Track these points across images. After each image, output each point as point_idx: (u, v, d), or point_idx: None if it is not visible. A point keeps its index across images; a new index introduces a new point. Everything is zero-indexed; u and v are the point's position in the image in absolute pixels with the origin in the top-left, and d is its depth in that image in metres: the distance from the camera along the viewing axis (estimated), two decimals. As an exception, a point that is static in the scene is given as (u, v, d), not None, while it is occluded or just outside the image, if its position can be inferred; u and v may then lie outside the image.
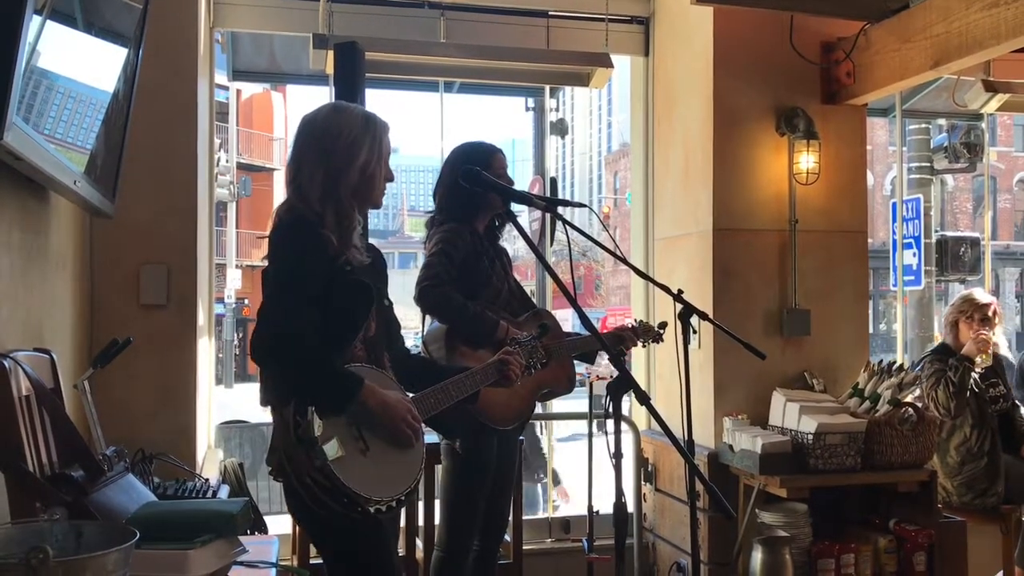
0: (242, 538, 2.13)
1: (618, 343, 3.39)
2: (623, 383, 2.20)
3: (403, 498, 2.17)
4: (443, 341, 3.04)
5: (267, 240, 2.23)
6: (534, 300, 3.95)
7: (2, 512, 1.97)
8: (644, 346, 3.58)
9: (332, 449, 2.02)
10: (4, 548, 1.51)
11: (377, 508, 2.08)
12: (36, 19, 1.80)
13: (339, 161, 2.21)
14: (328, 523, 2.11)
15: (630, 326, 3.54)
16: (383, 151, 2.28)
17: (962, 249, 7.66)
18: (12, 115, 1.67)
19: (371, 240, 2.59)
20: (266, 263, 2.21)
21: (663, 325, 3.50)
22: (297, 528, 3.66)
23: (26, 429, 1.99)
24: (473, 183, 2.70)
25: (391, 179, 2.33)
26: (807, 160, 4.14)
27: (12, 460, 1.92)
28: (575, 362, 3.40)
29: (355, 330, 2.22)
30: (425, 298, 2.97)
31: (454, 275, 3.01)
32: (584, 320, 2.30)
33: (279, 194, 28.08)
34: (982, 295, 4.41)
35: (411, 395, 2.30)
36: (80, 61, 2.39)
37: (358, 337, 2.23)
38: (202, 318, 3.83)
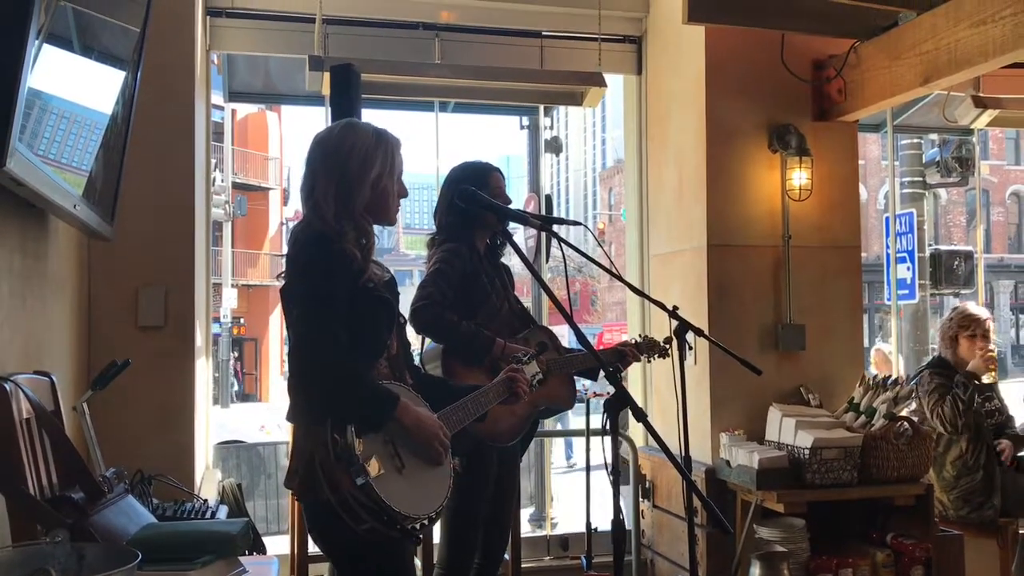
0: (242, 559, 2.14)
1: (618, 359, 3.41)
2: (620, 399, 2.22)
3: (435, 516, 2.17)
4: (440, 360, 3.05)
5: (285, 259, 2.21)
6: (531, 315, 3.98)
7: (3, 535, 1.98)
8: (649, 361, 3.57)
9: (372, 467, 2.01)
10: (7, 571, 1.52)
11: (413, 525, 2.08)
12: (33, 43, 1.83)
13: (352, 177, 2.21)
14: (358, 541, 2.07)
15: (633, 342, 3.53)
16: (395, 166, 2.29)
17: (956, 262, 7.71)
18: (15, 142, 1.69)
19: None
20: (283, 282, 2.19)
21: (668, 340, 3.47)
22: (297, 548, 3.66)
23: (27, 452, 2.00)
24: (469, 203, 2.74)
25: (405, 195, 2.33)
26: (800, 176, 4.18)
27: (13, 483, 1.93)
28: (577, 378, 3.40)
29: (381, 348, 2.22)
30: (417, 318, 2.98)
31: (450, 295, 3.03)
32: (580, 336, 2.32)
33: (274, 213, 28.12)
34: (979, 310, 4.44)
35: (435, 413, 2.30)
36: (78, 84, 2.42)
37: (383, 355, 2.24)
38: (200, 338, 3.84)
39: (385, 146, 2.26)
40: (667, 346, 3.49)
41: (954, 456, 4.15)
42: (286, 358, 2.13)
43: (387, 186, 2.26)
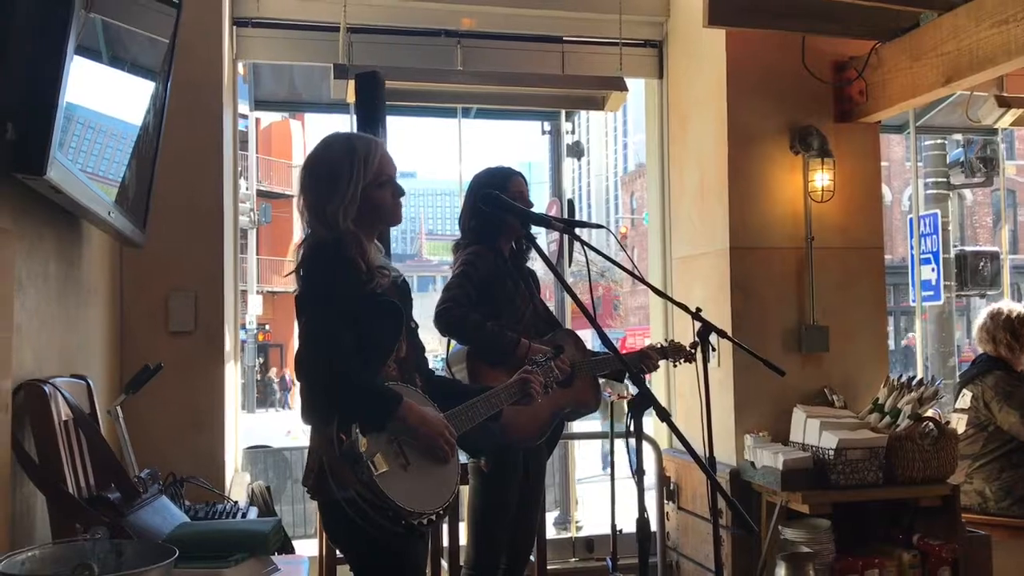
0: (273, 557, 2.19)
1: (642, 361, 3.43)
2: (644, 401, 2.24)
3: (442, 512, 2.22)
4: (465, 362, 3.09)
5: (295, 270, 2.29)
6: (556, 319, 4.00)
7: (44, 533, 2.04)
8: (675, 365, 3.58)
9: (376, 464, 2.06)
10: (50, 567, 1.57)
11: (419, 522, 2.12)
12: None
13: (324, 193, 2.28)
14: (367, 539, 2.13)
15: (659, 346, 3.54)
16: (373, 170, 2.30)
17: (981, 263, 7.66)
18: (55, 151, 1.75)
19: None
20: (293, 291, 2.27)
21: (694, 345, 3.46)
22: (324, 550, 3.71)
23: (66, 453, 2.06)
24: (491, 206, 2.78)
25: (400, 194, 2.36)
26: (822, 178, 4.18)
27: (54, 483, 1.98)
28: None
29: (388, 351, 2.27)
30: (441, 320, 3.02)
31: (473, 297, 3.07)
32: (604, 339, 2.35)
33: (298, 221, 28.30)
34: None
35: (443, 412, 2.34)
36: (112, 95, 2.48)
37: (391, 358, 2.28)
38: (228, 344, 3.90)
39: (353, 155, 2.29)
40: (693, 351, 3.48)
41: (997, 447, 4.12)
42: (294, 360, 2.20)
43: (356, 193, 2.27)
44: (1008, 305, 4.48)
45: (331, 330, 2.14)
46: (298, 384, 2.23)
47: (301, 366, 2.14)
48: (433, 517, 2.17)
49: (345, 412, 2.09)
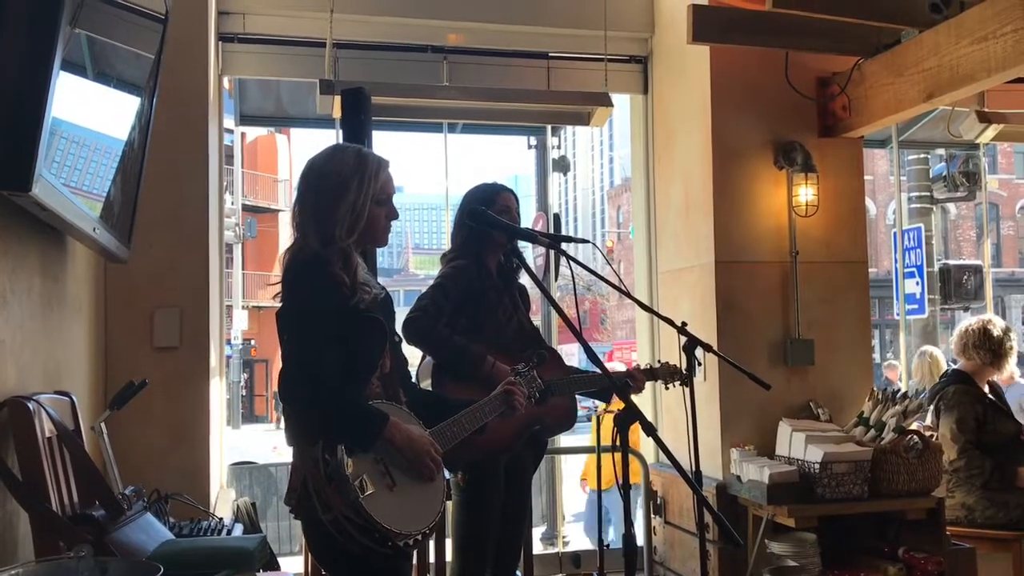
0: (259, 574, 2.18)
1: (628, 379, 3.41)
2: (630, 415, 2.24)
3: (428, 531, 2.20)
4: (431, 377, 3.09)
5: (279, 283, 2.26)
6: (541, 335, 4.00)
7: (27, 551, 2.02)
8: (667, 388, 3.53)
9: (363, 486, 2.04)
10: (33, 585, 1.56)
11: (406, 542, 2.11)
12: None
13: (328, 202, 2.24)
14: (351, 558, 2.10)
15: (647, 367, 3.50)
16: (375, 189, 2.28)
17: (965, 277, 7.72)
18: (40, 168, 1.74)
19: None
20: (278, 305, 2.24)
21: (688, 368, 3.27)
22: (310, 567, 3.69)
23: (50, 470, 2.04)
24: (476, 221, 2.80)
25: (394, 216, 2.34)
26: (806, 192, 4.22)
27: (37, 500, 1.97)
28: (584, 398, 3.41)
29: (372, 368, 2.26)
30: (408, 328, 3.00)
31: (446, 309, 3.07)
32: (589, 353, 2.35)
33: (284, 235, 28.26)
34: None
35: (428, 429, 2.33)
36: (96, 111, 2.47)
37: (375, 374, 2.28)
38: (214, 359, 3.89)
39: (363, 171, 2.27)
40: (688, 373, 3.42)
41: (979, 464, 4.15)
42: (277, 380, 2.17)
43: (368, 209, 2.26)
44: (977, 318, 4.52)
45: (315, 349, 2.11)
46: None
47: (285, 386, 2.12)
48: (419, 537, 2.16)
49: (330, 433, 2.08)
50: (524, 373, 2.65)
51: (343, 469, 2.03)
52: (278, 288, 2.26)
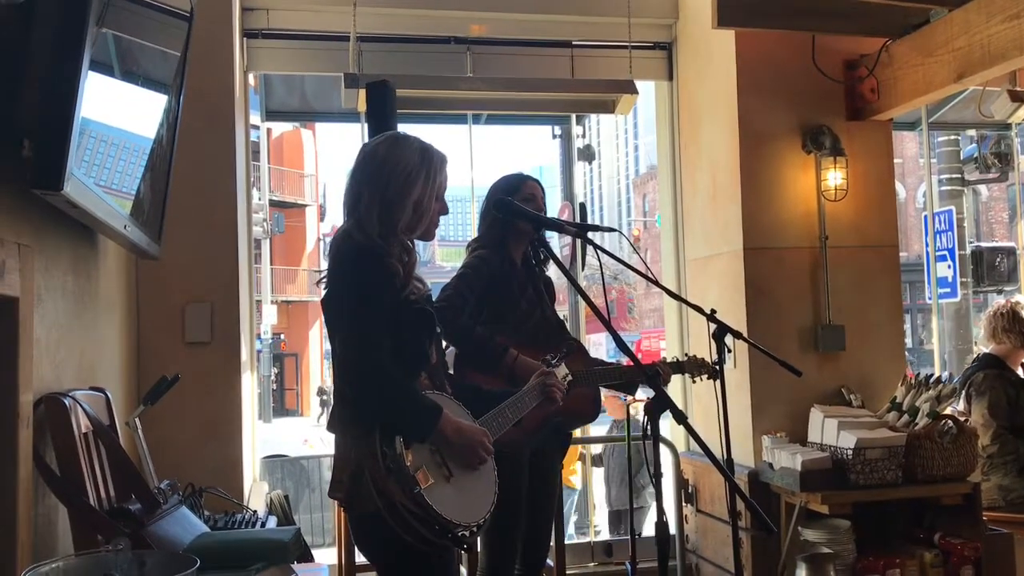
0: (294, 566, 2.20)
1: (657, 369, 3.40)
2: (661, 403, 2.24)
3: (483, 522, 2.20)
4: (453, 367, 3.09)
5: (328, 270, 2.24)
6: (568, 325, 3.99)
7: (67, 545, 2.05)
8: (695, 381, 3.51)
9: (422, 477, 2.05)
10: (73, 578, 1.58)
11: (464, 533, 2.11)
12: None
13: (394, 194, 2.23)
14: (404, 550, 2.09)
15: (675, 360, 3.45)
16: (438, 185, 2.29)
17: (998, 259, 7.60)
18: (71, 167, 1.76)
19: None
20: (325, 292, 2.22)
21: (716, 362, 3.33)
22: (343, 559, 3.72)
23: (87, 465, 2.07)
24: (503, 211, 2.80)
25: (445, 212, 2.34)
26: (834, 177, 4.17)
27: (75, 495, 2.00)
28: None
29: (423, 360, 2.25)
30: None
31: (471, 300, 3.07)
32: (618, 341, 2.34)
33: (311, 229, 28.41)
34: None
35: (476, 420, 2.32)
36: (125, 109, 2.50)
37: (425, 366, 2.27)
38: (245, 354, 3.92)
39: (429, 165, 2.27)
40: (716, 366, 3.39)
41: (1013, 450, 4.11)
42: (332, 370, 2.17)
43: (428, 205, 2.27)
44: (1005, 300, 4.48)
45: (376, 342, 2.09)
46: (332, 390, 2.18)
47: (347, 374, 2.10)
48: (475, 528, 2.16)
49: (391, 423, 2.07)
50: (555, 364, 2.65)
51: (403, 461, 2.02)
52: (324, 275, 2.24)
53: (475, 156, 5.03)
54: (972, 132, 7.32)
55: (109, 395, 2.54)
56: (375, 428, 2.06)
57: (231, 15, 3.94)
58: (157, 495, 2.26)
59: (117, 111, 2.40)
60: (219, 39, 3.85)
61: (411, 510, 2.02)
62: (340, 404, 2.21)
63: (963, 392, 4.28)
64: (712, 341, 2.88)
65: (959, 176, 7.76)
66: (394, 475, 2.02)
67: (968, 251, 7.52)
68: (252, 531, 2.76)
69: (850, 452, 3.67)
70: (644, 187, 41.02)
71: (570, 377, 2.72)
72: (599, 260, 2.65)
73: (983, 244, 7.89)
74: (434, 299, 2.48)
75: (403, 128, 3.79)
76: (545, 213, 3.29)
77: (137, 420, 2.86)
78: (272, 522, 3.31)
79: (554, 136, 5.78)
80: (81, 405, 2.14)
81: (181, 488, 2.69)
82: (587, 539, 4.92)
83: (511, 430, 2.68)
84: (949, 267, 7.37)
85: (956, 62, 3.66)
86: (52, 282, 2.24)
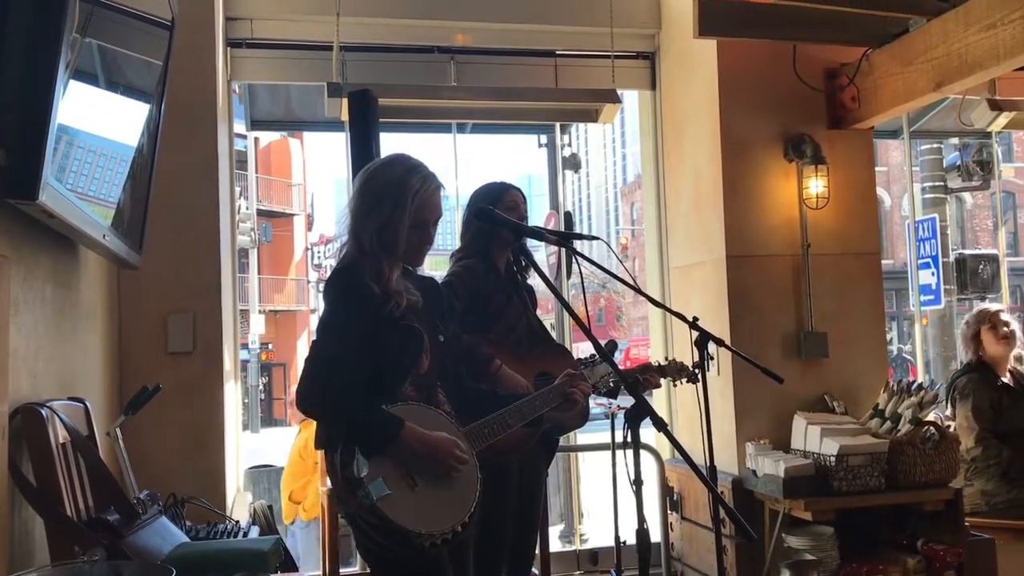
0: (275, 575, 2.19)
1: (640, 373, 3.41)
2: (640, 411, 2.24)
3: (459, 530, 2.18)
4: None
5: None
6: (554, 333, 4.00)
7: (42, 556, 2.04)
8: (675, 385, 3.52)
9: (378, 488, 2.05)
10: (48, 589, 1.57)
11: (432, 542, 2.10)
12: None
13: (364, 211, 2.28)
14: (380, 557, 2.16)
15: (656, 364, 3.50)
16: (410, 211, 2.27)
17: (980, 266, 7.65)
18: (47, 176, 1.76)
19: None
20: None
21: (696, 365, 3.24)
22: (327, 567, 3.70)
23: (64, 475, 2.06)
24: (484, 220, 2.80)
25: (427, 242, 2.33)
26: (816, 185, 4.20)
27: (51, 506, 1.99)
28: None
29: (403, 375, 2.25)
30: None
31: (457, 308, 3.07)
32: (599, 349, 2.35)
33: (299, 239, 28.35)
34: (990, 304, 4.48)
35: (463, 428, 2.32)
36: (105, 118, 2.49)
37: (407, 380, 2.27)
38: (228, 364, 3.90)
39: (403, 190, 2.27)
40: (696, 371, 3.31)
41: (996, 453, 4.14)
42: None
43: (397, 230, 2.25)
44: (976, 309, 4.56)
45: (332, 357, 2.14)
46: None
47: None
48: (449, 535, 2.14)
49: (344, 438, 2.10)
50: (592, 364, 2.64)
51: (358, 472, 2.04)
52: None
53: (461, 166, 5.05)
54: (955, 140, 7.37)
55: (88, 405, 2.53)
56: (338, 442, 2.10)
57: (214, 24, 3.94)
58: (136, 505, 2.24)
59: (98, 119, 2.40)
60: (202, 48, 3.84)
61: (369, 520, 2.06)
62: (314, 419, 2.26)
63: (948, 397, 4.32)
64: (695, 348, 2.89)
65: (942, 184, 7.81)
66: (350, 486, 2.05)
67: (951, 258, 7.57)
68: (231, 541, 2.74)
69: (833, 459, 3.69)
70: (632, 195, 41.11)
71: (611, 378, 2.71)
72: (580, 269, 2.65)
73: (966, 251, 7.94)
74: (441, 304, 2.48)
75: (387, 138, 3.81)
76: (527, 222, 3.29)
77: (118, 430, 2.84)
78: (255, 532, 3.30)
79: (540, 145, 5.78)
80: (59, 415, 2.13)
81: (162, 499, 2.67)
82: (573, 547, 4.91)
83: (511, 432, 2.69)
84: (933, 274, 7.41)
85: (935, 71, 3.69)
86: (30, 292, 2.23)
